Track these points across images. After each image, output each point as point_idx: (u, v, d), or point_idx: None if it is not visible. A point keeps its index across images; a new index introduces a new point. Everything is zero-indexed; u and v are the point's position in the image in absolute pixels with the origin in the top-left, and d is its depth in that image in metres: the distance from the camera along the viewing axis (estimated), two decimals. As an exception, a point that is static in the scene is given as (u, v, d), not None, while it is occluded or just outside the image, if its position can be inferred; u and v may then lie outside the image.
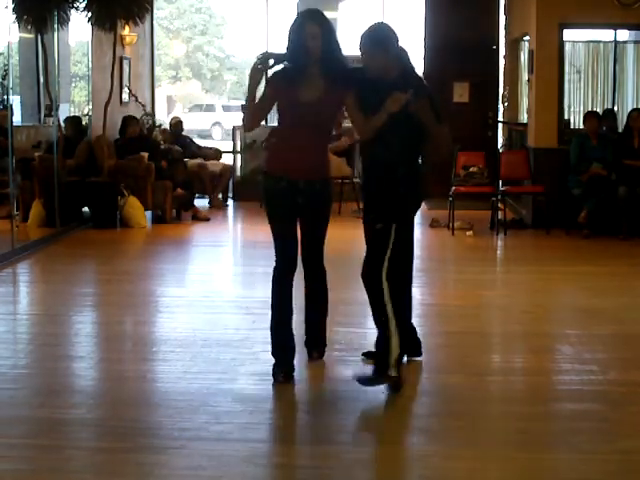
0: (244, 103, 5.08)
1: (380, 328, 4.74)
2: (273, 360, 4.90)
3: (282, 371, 4.84)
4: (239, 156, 13.28)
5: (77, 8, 10.19)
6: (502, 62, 12.83)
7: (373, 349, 5.02)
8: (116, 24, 10.23)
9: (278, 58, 4.75)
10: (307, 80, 4.69)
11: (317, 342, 5.16)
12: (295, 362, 4.96)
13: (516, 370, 5.30)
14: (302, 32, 4.62)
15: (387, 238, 4.64)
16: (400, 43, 4.72)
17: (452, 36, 12.59)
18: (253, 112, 4.85)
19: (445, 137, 4.81)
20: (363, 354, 5.23)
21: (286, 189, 4.76)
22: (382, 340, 4.71)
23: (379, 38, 4.66)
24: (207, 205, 11.97)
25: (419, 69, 13.19)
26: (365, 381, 4.68)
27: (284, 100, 4.75)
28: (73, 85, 12.46)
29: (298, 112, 4.70)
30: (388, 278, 4.64)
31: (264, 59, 4.68)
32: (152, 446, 4.01)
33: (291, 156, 4.75)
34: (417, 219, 11.56)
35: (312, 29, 4.61)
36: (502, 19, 12.77)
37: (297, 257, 4.89)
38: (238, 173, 13.07)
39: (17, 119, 10.22)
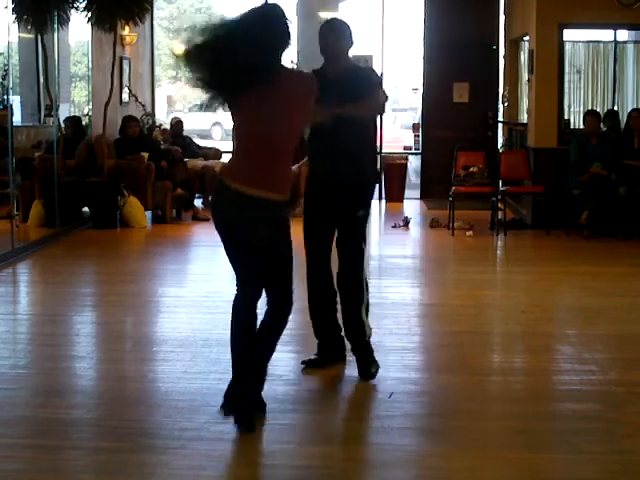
0: None
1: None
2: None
3: None
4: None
5: (77, 8, 10.21)
6: (502, 62, 12.83)
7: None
8: (116, 24, 10.24)
9: None
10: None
11: None
12: (294, 362, 4.98)
13: (516, 370, 5.30)
14: None
15: (364, 225, 4.91)
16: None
17: (452, 36, 12.59)
18: None
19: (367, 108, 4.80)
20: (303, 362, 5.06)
21: None
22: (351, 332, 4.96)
23: (335, 25, 4.95)
24: (201, 205, 11.90)
25: (419, 69, 13.23)
26: (373, 374, 4.85)
27: None
28: (73, 85, 12.47)
29: None
30: None
31: None
32: (152, 446, 4.00)
33: None
34: (417, 219, 11.59)
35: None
36: (502, 19, 12.78)
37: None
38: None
39: (17, 119, 10.24)
